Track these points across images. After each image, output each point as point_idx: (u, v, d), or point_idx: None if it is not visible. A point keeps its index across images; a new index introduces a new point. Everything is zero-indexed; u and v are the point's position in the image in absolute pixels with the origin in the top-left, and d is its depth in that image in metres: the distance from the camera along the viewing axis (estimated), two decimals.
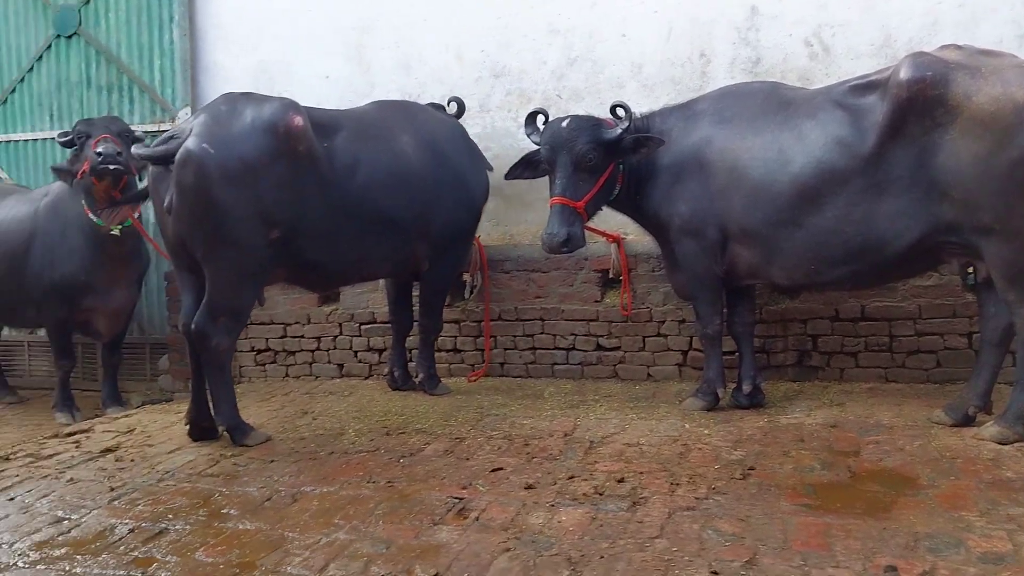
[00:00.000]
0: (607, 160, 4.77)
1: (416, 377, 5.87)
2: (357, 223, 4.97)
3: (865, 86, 4.35)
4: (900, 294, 5.35)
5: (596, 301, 6.01)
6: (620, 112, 4.77)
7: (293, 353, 6.71)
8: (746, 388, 4.90)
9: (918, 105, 4.07)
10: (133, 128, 6.29)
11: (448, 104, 5.98)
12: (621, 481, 3.71)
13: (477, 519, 3.37)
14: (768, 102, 4.66)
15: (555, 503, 3.49)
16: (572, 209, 4.71)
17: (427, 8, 6.63)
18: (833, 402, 4.96)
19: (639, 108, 5.14)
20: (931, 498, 3.36)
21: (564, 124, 4.78)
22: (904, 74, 4.12)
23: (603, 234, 5.70)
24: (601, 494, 3.57)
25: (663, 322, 5.84)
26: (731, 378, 5.07)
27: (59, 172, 6.02)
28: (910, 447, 4.01)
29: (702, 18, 6.06)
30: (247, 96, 4.79)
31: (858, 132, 4.27)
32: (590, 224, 5.09)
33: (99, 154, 5.69)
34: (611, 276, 5.97)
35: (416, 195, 5.23)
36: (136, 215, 6.13)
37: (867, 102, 4.30)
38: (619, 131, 4.72)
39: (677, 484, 3.65)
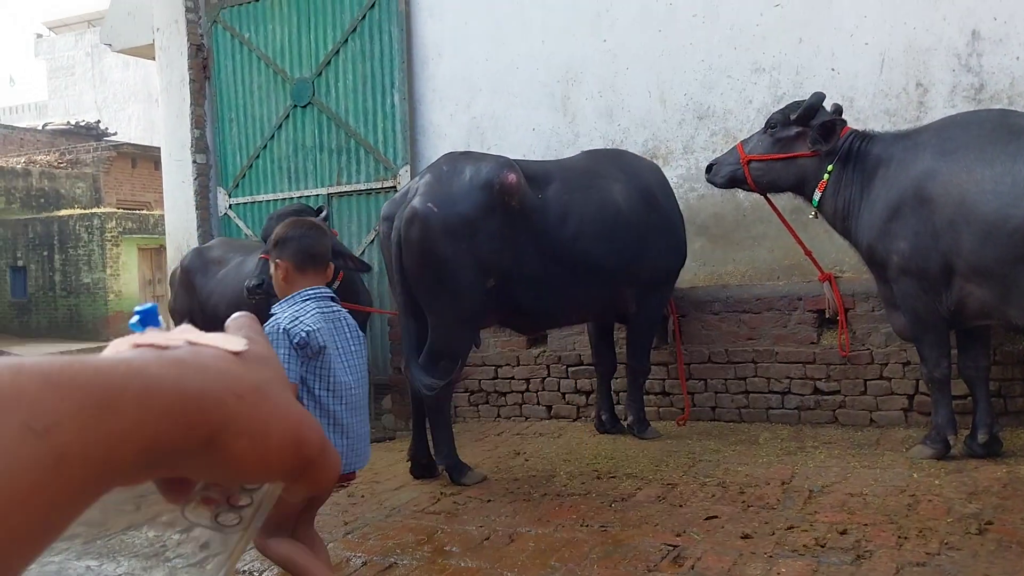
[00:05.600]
0: (796, 140, 4.96)
1: (624, 420, 5.90)
2: (568, 270, 5.14)
3: None
4: None
5: (812, 342, 5.81)
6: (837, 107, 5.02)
7: (504, 394, 6.92)
8: (981, 437, 4.58)
9: None
10: (358, 188, 6.73)
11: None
12: (844, 533, 3.57)
13: (693, 568, 3.35)
14: (997, 131, 4.37)
15: (773, 554, 3.41)
16: (740, 154, 5.16)
17: (630, 56, 6.73)
18: None
19: None
20: None
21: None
22: None
23: (816, 265, 5.53)
24: (823, 546, 3.45)
25: (886, 364, 5.56)
26: (964, 424, 4.76)
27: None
28: None
29: (917, 46, 5.80)
30: (466, 155, 5.14)
31: None
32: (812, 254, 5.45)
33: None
34: (827, 316, 5.77)
35: (627, 243, 5.34)
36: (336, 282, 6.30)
37: None
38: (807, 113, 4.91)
39: (905, 538, 3.47)
